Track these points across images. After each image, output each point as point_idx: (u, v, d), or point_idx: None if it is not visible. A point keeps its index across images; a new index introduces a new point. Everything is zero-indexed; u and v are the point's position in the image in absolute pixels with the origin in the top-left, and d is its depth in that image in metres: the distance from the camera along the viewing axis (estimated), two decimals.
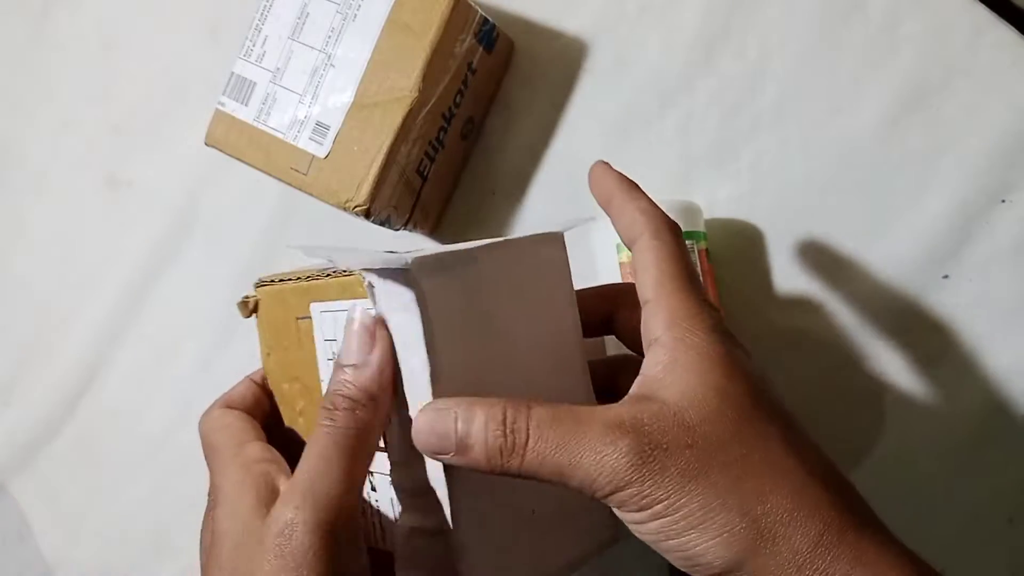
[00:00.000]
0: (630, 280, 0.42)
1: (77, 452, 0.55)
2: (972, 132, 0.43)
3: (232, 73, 0.43)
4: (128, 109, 0.54)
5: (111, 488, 0.54)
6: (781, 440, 0.27)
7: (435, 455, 0.29)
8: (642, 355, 0.30)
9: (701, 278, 0.42)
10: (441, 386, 0.29)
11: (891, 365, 0.44)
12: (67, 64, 0.55)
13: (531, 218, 0.48)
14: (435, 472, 0.30)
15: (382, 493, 0.32)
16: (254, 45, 0.42)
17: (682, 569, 0.27)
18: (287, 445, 0.34)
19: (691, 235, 0.42)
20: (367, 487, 0.33)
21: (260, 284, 0.37)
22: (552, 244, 0.34)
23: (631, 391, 0.29)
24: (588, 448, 0.26)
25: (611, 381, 0.35)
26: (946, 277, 0.44)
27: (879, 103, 0.44)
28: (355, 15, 0.41)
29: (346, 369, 0.29)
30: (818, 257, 0.45)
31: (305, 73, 0.42)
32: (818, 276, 0.45)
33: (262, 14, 0.42)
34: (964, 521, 0.44)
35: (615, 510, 0.27)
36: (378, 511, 0.33)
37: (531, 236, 0.34)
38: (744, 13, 0.45)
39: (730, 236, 0.45)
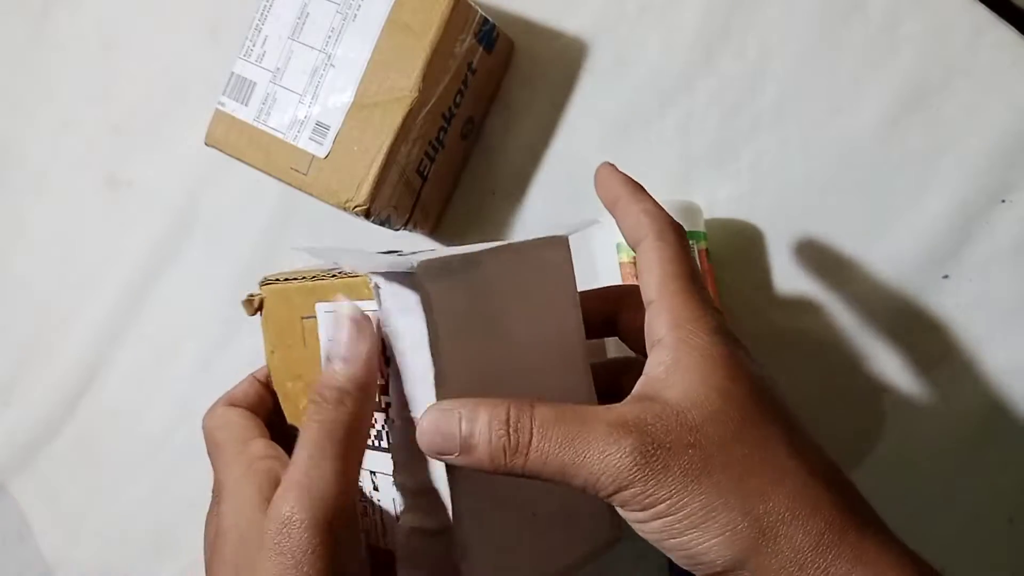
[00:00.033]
0: (630, 280, 0.42)
1: (77, 452, 0.55)
2: (972, 132, 0.43)
3: (232, 73, 0.43)
4: (128, 109, 0.54)
5: (111, 488, 0.54)
6: (783, 440, 0.27)
7: (439, 455, 0.29)
8: (645, 356, 0.30)
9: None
10: (445, 388, 0.29)
11: (891, 365, 0.44)
12: (67, 64, 0.55)
13: (531, 218, 0.48)
14: (437, 472, 0.30)
15: (384, 493, 0.33)
16: (254, 45, 0.42)
17: (684, 567, 0.27)
18: (290, 442, 0.34)
19: (691, 235, 0.42)
20: (369, 487, 0.33)
21: (265, 283, 0.37)
22: (556, 247, 0.35)
23: (634, 391, 0.29)
24: (592, 447, 0.27)
25: (615, 383, 0.35)
26: (946, 277, 0.44)
27: (879, 103, 0.44)
28: (355, 15, 0.41)
29: (335, 362, 0.30)
30: (818, 257, 0.45)
31: (305, 73, 0.42)
32: (818, 276, 0.45)
33: (262, 14, 0.42)
34: (964, 521, 0.44)
35: (618, 509, 0.27)
36: (380, 510, 0.33)
37: (536, 240, 0.34)
38: (744, 13, 0.45)
39: (730, 236, 0.45)
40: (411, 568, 0.32)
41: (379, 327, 0.31)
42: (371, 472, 0.33)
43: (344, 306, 0.30)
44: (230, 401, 0.36)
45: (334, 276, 0.33)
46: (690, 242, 0.42)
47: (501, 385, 0.31)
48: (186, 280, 0.53)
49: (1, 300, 0.56)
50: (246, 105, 0.42)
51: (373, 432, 0.32)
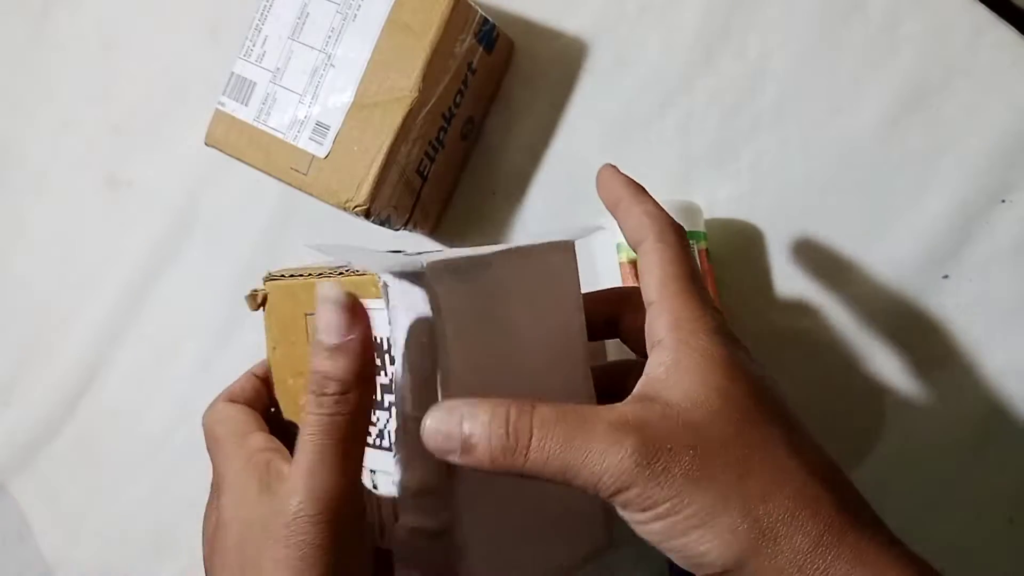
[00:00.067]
0: (630, 280, 0.42)
1: (77, 452, 0.55)
2: (972, 132, 0.43)
3: (232, 73, 0.43)
4: (128, 109, 0.54)
5: (111, 488, 0.54)
6: (783, 441, 0.27)
7: (442, 455, 0.29)
8: (646, 358, 0.30)
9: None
10: (450, 387, 0.29)
11: (891, 365, 0.44)
12: (67, 64, 0.55)
13: (531, 218, 0.48)
14: (438, 473, 0.30)
15: (383, 492, 0.33)
16: (254, 45, 0.42)
17: (685, 568, 0.27)
18: (287, 437, 0.34)
19: (691, 235, 0.42)
20: (368, 485, 0.33)
21: (269, 278, 0.37)
22: (562, 252, 0.35)
23: (634, 391, 0.29)
24: (593, 447, 0.27)
25: (617, 385, 0.36)
26: (946, 277, 0.44)
27: (879, 103, 0.44)
28: (355, 15, 0.41)
29: (328, 351, 0.29)
30: (818, 257, 0.45)
31: (305, 73, 0.42)
32: (818, 276, 0.45)
33: (262, 14, 0.42)
34: (964, 521, 0.44)
35: (619, 510, 0.27)
36: (379, 510, 0.33)
37: (543, 244, 0.34)
38: (744, 13, 0.45)
39: (730, 236, 0.45)
40: (409, 568, 0.32)
41: (388, 323, 0.31)
42: (371, 471, 0.33)
43: (326, 288, 0.29)
44: (229, 397, 0.37)
45: (340, 274, 0.33)
46: (690, 242, 0.42)
47: (504, 385, 0.31)
48: (186, 280, 0.53)
49: (1, 300, 0.56)
50: (246, 105, 0.42)
51: (375, 431, 0.32)
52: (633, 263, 0.42)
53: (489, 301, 0.31)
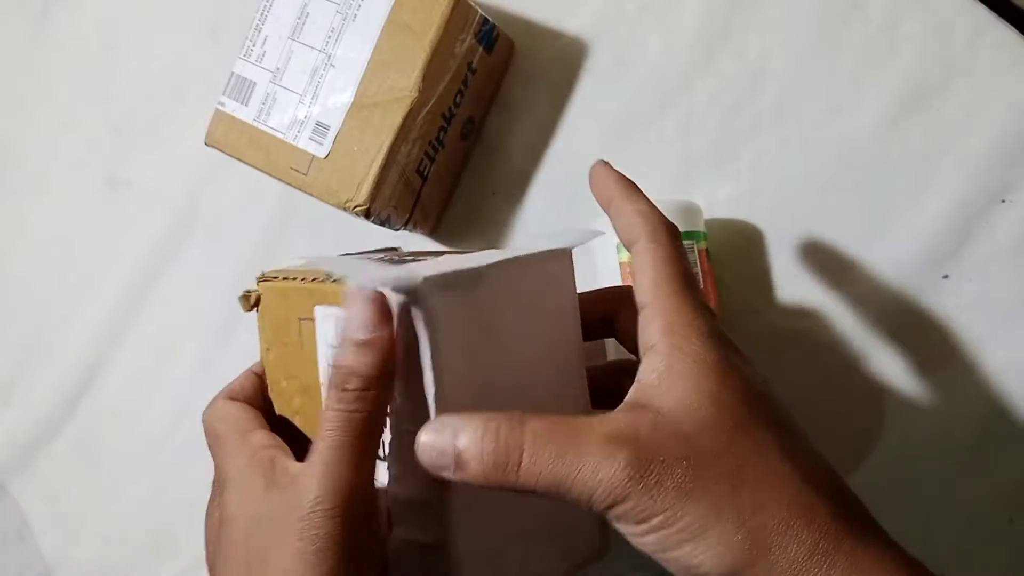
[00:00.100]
0: (630, 280, 0.42)
1: (77, 452, 0.55)
2: (972, 132, 0.43)
3: (232, 73, 0.43)
4: (128, 109, 0.54)
5: (111, 488, 0.54)
6: (777, 447, 0.27)
7: (436, 471, 0.29)
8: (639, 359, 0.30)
9: (700, 279, 0.42)
10: (445, 402, 0.29)
11: (891, 365, 0.44)
12: (67, 64, 0.55)
13: (531, 218, 0.48)
14: (431, 486, 0.30)
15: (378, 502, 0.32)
16: (254, 45, 0.42)
17: None
18: (285, 436, 0.34)
19: (691, 235, 0.42)
20: None
21: (263, 279, 0.37)
22: (559, 260, 0.34)
23: (627, 398, 0.29)
24: (585, 462, 0.26)
25: (616, 385, 0.35)
26: (946, 277, 0.44)
27: (879, 103, 0.44)
28: (355, 15, 0.41)
29: (356, 345, 0.29)
30: (818, 257, 0.45)
31: (305, 73, 0.42)
32: (818, 276, 0.45)
33: (262, 14, 0.42)
34: (964, 521, 0.44)
35: (613, 522, 0.27)
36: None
37: (539, 253, 0.34)
38: (744, 13, 0.45)
39: (730, 236, 0.45)
40: None
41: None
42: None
43: (357, 284, 0.29)
44: (229, 395, 0.37)
45: (335, 281, 0.33)
46: (690, 242, 0.42)
47: (498, 397, 0.31)
48: (186, 280, 0.53)
49: (1, 300, 0.56)
50: (246, 105, 0.42)
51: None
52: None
53: (485, 313, 0.31)
